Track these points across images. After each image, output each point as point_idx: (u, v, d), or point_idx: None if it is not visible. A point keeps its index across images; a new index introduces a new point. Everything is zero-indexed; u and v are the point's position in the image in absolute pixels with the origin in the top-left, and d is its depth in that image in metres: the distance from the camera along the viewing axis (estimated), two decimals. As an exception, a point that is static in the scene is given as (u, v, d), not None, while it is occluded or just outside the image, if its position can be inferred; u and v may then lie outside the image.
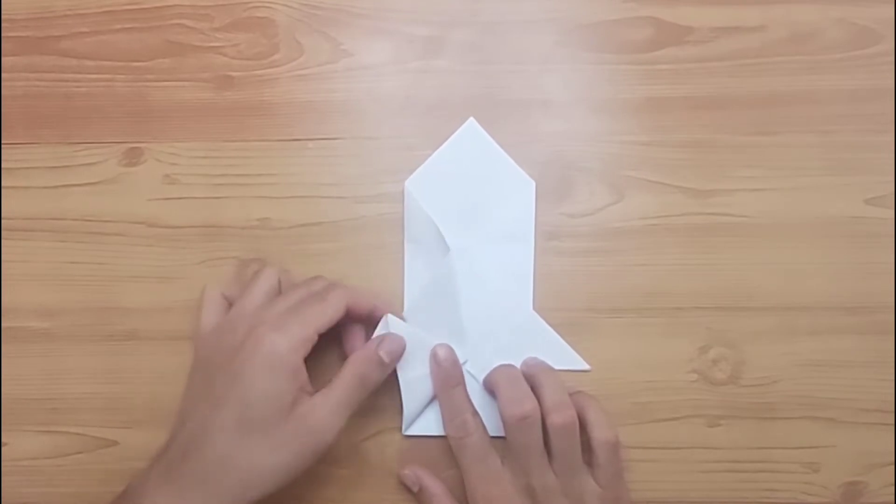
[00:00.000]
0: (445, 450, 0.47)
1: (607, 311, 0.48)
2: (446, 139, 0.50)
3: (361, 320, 0.46)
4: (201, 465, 0.40)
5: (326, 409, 0.41)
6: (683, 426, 0.48)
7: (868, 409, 0.47)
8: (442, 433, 0.47)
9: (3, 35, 0.51)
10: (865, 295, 0.48)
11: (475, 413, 0.46)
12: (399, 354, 0.45)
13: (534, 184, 0.49)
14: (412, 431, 0.47)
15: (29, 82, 0.51)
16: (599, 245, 0.49)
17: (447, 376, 0.46)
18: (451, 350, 0.46)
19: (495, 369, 0.46)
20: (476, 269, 0.48)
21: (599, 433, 0.44)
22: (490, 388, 0.46)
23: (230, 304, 0.46)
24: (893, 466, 0.47)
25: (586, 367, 0.48)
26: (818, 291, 0.48)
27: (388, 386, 0.47)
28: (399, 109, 0.50)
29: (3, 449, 0.48)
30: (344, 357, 0.46)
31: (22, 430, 0.48)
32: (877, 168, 0.49)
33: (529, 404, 0.43)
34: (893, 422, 0.47)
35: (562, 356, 0.48)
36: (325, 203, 0.49)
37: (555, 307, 0.48)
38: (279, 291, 0.46)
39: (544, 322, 0.48)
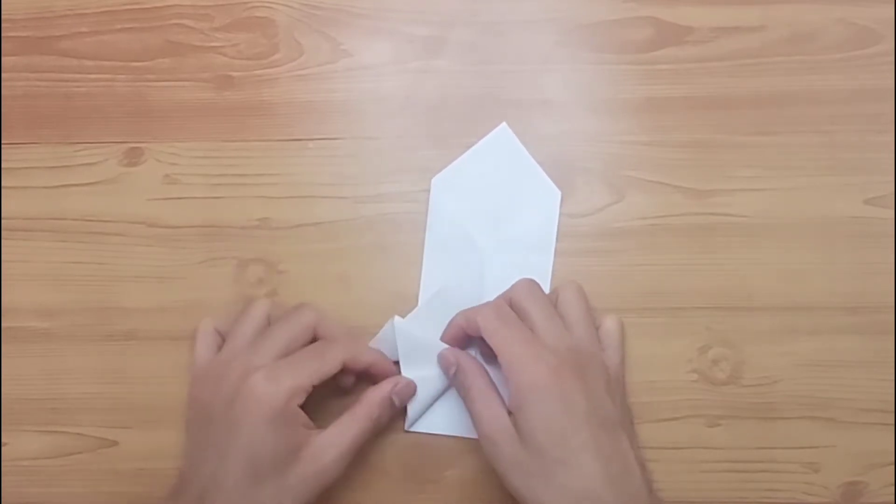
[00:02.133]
0: (446, 450, 0.47)
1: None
2: (446, 139, 0.50)
3: (357, 374, 0.46)
4: None
5: (335, 450, 0.42)
6: (683, 426, 0.47)
7: (868, 409, 0.47)
8: (445, 432, 0.47)
9: (3, 35, 0.51)
10: (865, 295, 0.48)
11: (474, 359, 0.46)
12: (409, 399, 0.46)
13: (560, 194, 0.49)
14: (416, 428, 0.47)
15: (29, 82, 0.51)
16: (599, 245, 0.49)
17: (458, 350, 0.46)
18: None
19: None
20: (493, 273, 0.48)
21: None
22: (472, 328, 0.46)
23: (223, 338, 0.46)
24: (893, 466, 0.47)
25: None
26: (818, 291, 0.48)
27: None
28: (399, 109, 0.50)
29: (3, 449, 0.48)
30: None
31: (22, 430, 0.48)
32: (877, 168, 0.49)
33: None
34: (893, 422, 0.47)
35: None
36: (325, 203, 0.49)
37: (555, 307, 0.49)
38: (268, 324, 0.46)
39: None
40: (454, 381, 0.45)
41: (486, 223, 0.49)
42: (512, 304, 0.45)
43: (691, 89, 0.50)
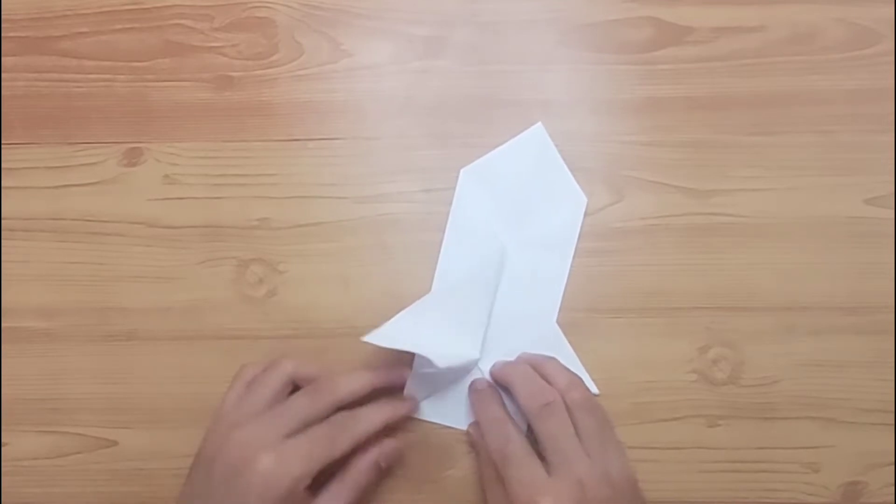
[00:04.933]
0: (446, 450, 0.47)
1: (607, 311, 0.48)
2: (446, 139, 0.50)
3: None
4: None
5: None
6: (683, 426, 0.47)
7: (868, 409, 0.47)
8: (438, 420, 0.47)
9: (3, 35, 0.51)
10: (865, 295, 0.48)
11: (514, 422, 0.45)
12: (395, 461, 0.46)
13: (586, 200, 0.49)
14: (371, 339, 0.45)
15: (29, 82, 0.51)
16: (599, 245, 0.49)
17: (486, 396, 0.46)
18: (488, 381, 0.47)
19: (506, 366, 0.47)
20: (511, 271, 0.48)
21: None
22: (504, 384, 0.46)
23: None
24: (893, 466, 0.47)
25: (595, 390, 0.47)
26: (818, 291, 0.48)
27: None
28: (399, 109, 0.50)
29: (3, 449, 0.48)
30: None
31: (22, 430, 0.48)
32: (877, 168, 0.49)
33: (550, 392, 0.44)
34: (893, 422, 0.47)
35: None
36: (325, 203, 0.49)
37: (555, 307, 0.49)
38: (290, 387, 0.45)
39: (565, 338, 0.48)
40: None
41: (509, 219, 0.49)
42: (530, 420, 0.44)
43: (691, 89, 0.50)
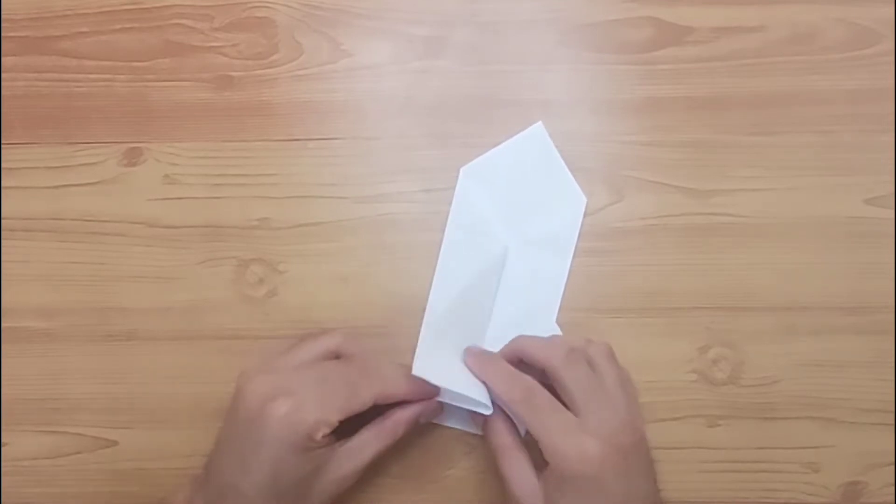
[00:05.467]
0: (446, 450, 0.47)
1: (607, 311, 0.48)
2: (446, 139, 0.50)
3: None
4: None
5: (356, 462, 0.43)
6: (683, 426, 0.48)
7: (868, 409, 0.47)
8: (439, 421, 0.47)
9: (3, 35, 0.51)
10: (865, 295, 0.48)
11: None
12: (435, 418, 0.46)
13: (585, 200, 0.49)
14: (419, 372, 0.44)
15: (29, 82, 0.51)
16: (599, 245, 0.49)
17: (486, 356, 0.46)
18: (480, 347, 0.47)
19: (515, 339, 0.46)
20: (511, 271, 0.48)
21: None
22: (518, 354, 0.45)
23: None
24: (893, 466, 0.47)
25: None
26: (818, 291, 0.48)
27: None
28: (399, 109, 0.50)
29: (3, 449, 0.48)
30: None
31: (22, 430, 0.48)
32: (877, 168, 0.49)
33: (572, 340, 0.45)
34: (893, 422, 0.47)
35: None
36: (325, 203, 0.49)
37: (555, 307, 0.49)
38: (331, 357, 0.45)
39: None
40: (483, 431, 0.46)
41: (509, 219, 0.49)
42: (548, 373, 0.44)
43: (691, 89, 0.50)
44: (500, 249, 0.48)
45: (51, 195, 0.50)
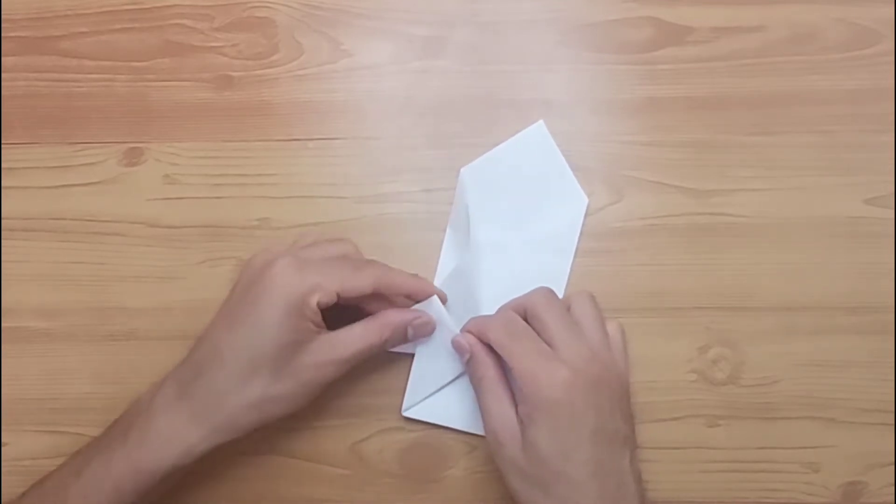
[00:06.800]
0: (446, 450, 0.47)
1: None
2: (446, 139, 0.50)
3: (386, 299, 0.45)
4: (212, 385, 0.41)
5: (337, 353, 0.42)
6: (683, 426, 0.47)
7: (868, 409, 0.47)
8: (441, 422, 0.47)
9: (3, 35, 0.51)
10: (865, 295, 0.48)
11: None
12: (423, 337, 0.46)
13: (587, 201, 0.49)
14: (411, 414, 0.47)
15: (29, 82, 0.51)
16: (599, 245, 0.49)
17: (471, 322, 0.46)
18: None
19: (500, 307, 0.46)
20: (509, 270, 0.48)
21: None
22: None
23: None
24: (893, 466, 0.47)
25: None
26: (818, 291, 0.48)
27: (387, 385, 0.47)
28: (399, 109, 0.50)
29: (3, 449, 0.48)
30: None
31: (22, 430, 0.48)
32: (877, 168, 0.49)
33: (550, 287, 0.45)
34: (893, 422, 0.47)
35: None
36: (325, 203, 0.49)
37: (555, 307, 0.48)
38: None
39: None
40: (466, 367, 0.45)
41: (509, 218, 0.49)
42: (527, 313, 0.44)
43: (691, 89, 0.50)
44: (498, 251, 0.48)
45: (51, 195, 0.50)
